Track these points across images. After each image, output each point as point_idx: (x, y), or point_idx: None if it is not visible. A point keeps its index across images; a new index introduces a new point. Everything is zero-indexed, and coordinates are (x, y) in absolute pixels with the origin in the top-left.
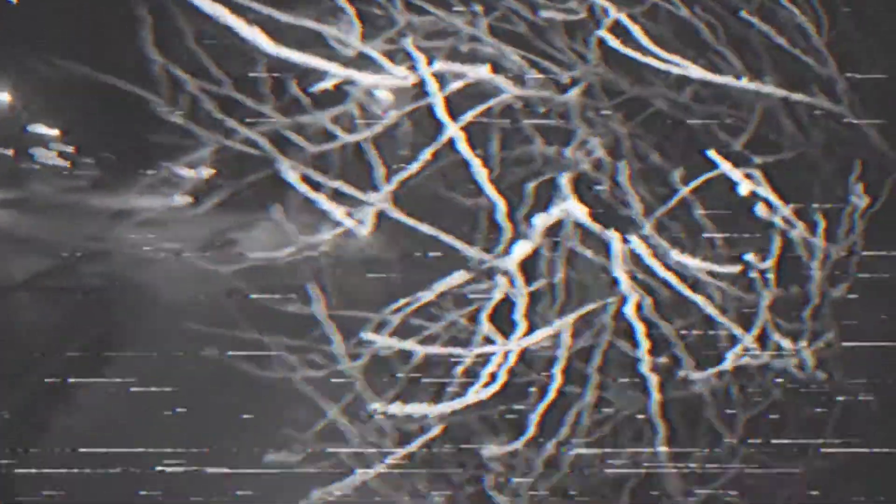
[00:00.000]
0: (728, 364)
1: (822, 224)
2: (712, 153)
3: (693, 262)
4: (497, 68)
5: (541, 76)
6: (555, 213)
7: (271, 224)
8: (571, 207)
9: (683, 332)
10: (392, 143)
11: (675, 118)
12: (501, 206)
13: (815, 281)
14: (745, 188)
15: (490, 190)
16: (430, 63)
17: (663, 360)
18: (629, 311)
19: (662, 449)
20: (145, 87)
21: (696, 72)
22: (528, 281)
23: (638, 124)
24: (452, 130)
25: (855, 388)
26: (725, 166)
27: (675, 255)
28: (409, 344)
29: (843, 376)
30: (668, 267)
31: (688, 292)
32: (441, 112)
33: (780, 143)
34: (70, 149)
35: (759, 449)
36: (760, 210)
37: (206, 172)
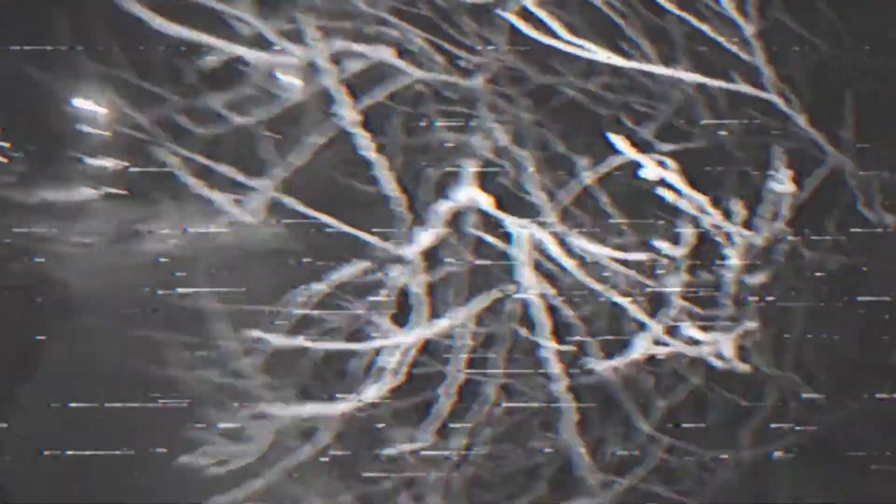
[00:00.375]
0: (636, 353)
1: (740, 212)
2: (613, 136)
3: (597, 249)
4: (402, 52)
5: (446, 62)
6: (457, 200)
7: (176, 214)
8: (474, 195)
9: (590, 320)
10: (294, 128)
11: (585, 107)
12: (398, 194)
13: (731, 269)
14: (648, 172)
15: (387, 178)
16: (327, 44)
17: (568, 348)
18: (531, 299)
19: (573, 435)
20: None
21: (602, 55)
22: (432, 269)
23: (546, 112)
24: (349, 116)
25: (783, 378)
26: (625, 149)
27: (579, 242)
28: (301, 341)
29: (770, 366)
30: (572, 255)
31: (590, 281)
32: (338, 95)
33: (695, 132)
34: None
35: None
36: (668, 195)
37: (115, 163)
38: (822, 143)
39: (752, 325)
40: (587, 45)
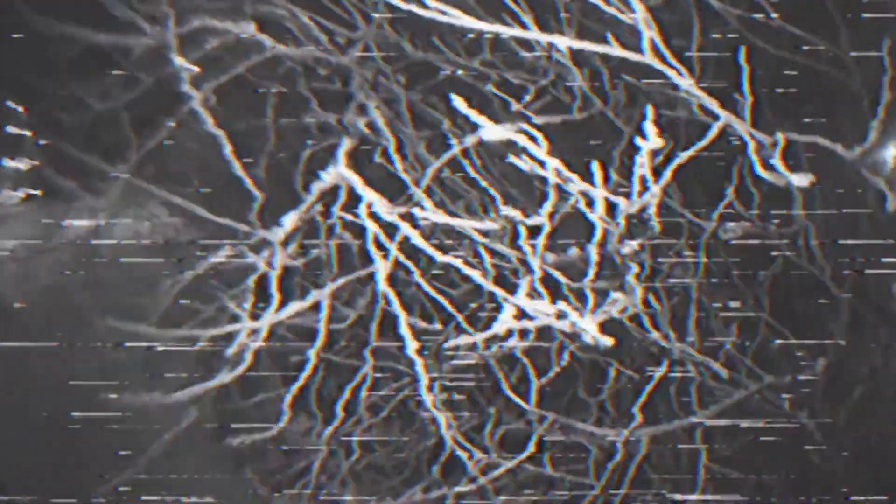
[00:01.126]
0: (499, 328)
1: (600, 175)
2: (457, 100)
3: (446, 220)
4: (266, 26)
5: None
6: (327, 181)
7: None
8: (344, 174)
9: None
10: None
11: (463, 83)
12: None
13: (596, 239)
14: (493, 133)
15: (235, 162)
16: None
17: (423, 324)
18: (381, 279)
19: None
20: None
21: (468, 22)
22: (305, 253)
23: (423, 90)
24: (198, 97)
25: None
26: (466, 110)
27: (424, 214)
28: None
29: (642, 343)
30: (436, 232)
31: (443, 256)
32: (185, 76)
33: (570, 103)
34: None
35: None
36: (523, 165)
37: (28, 163)
38: (711, 106)
39: (619, 296)
40: (451, 11)
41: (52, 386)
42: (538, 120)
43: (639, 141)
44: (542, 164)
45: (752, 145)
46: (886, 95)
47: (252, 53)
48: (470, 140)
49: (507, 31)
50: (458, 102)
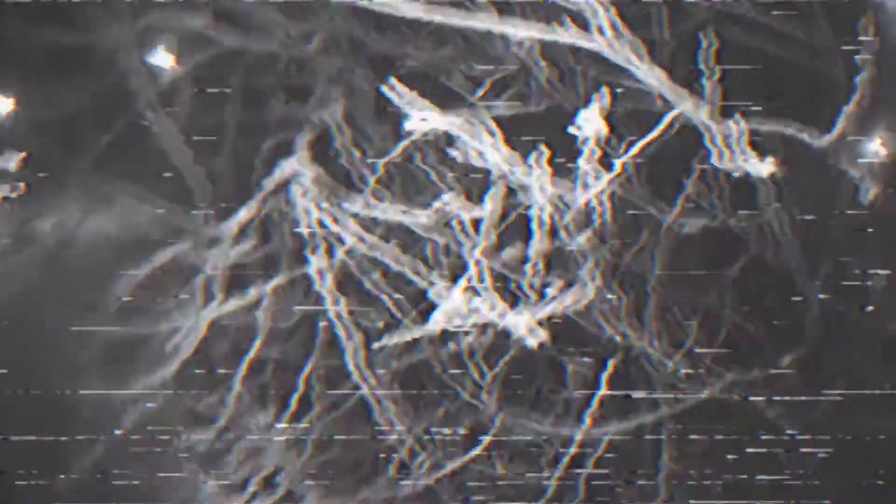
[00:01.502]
0: (432, 326)
1: (547, 170)
2: (388, 90)
3: (378, 213)
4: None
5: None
6: (282, 173)
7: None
8: (300, 168)
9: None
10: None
11: (427, 75)
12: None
13: (536, 235)
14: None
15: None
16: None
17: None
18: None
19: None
20: None
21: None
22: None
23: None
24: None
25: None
26: (397, 99)
27: (349, 206)
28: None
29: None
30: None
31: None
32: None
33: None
34: None
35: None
36: (457, 155)
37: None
38: (666, 94)
39: (556, 292)
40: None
41: None
42: (496, 111)
43: (572, 129)
44: (482, 154)
45: (709, 136)
46: (862, 82)
47: (210, 47)
48: (417, 132)
49: (465, 23)
50: (395, 93)
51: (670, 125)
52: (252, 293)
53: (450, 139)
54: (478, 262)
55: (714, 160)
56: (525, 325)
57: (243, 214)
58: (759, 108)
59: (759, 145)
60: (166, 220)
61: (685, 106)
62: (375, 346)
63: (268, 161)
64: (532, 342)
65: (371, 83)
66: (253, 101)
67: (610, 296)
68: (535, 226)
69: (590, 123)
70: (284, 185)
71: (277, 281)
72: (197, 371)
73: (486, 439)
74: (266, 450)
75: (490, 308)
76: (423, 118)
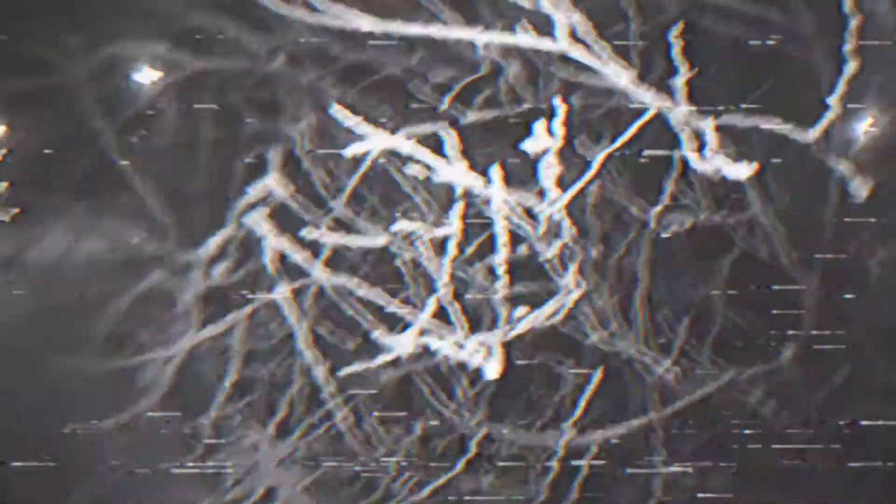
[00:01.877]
0: (392, 354)
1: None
2: (337, 111)
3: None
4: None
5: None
6: (255, 193)
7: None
8: (272, 185)
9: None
10: None
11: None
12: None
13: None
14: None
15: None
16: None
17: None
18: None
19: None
20: None
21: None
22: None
23: (357, 92)
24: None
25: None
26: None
27: (308, 233)
28: None
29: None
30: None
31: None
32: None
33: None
34: None
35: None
36: (415, 171)
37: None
38: (638, 93)
39: (522, 312)
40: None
41: None
42: (465, 119)
43: (524, 146)
44: (430, 168)
45: (684, 136)
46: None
47: (178, 69)
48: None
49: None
50: (340, 113)
51: (645, 126)
52: (229, 318)
53: (410, 157)
54: (445, 285)
55: (692, 163)
56: (484, 353)
57: (217, 239)
58: (739, 105)
59: (739, 143)
60: (139, 248)
61: (660, 105)
62: (342, 372)
63: (240, 182)
64: (490, 373)
65: (339, 97)
66: (223, 119)
67: (598, 302)
68: (503, 240)
69: (541, 139)
70: (255, 207)
71: (253, 305)
72: (181, 396)
73: (471, 453)
74: (258, 469)
75: (440, 339)
76: (363, 143)
